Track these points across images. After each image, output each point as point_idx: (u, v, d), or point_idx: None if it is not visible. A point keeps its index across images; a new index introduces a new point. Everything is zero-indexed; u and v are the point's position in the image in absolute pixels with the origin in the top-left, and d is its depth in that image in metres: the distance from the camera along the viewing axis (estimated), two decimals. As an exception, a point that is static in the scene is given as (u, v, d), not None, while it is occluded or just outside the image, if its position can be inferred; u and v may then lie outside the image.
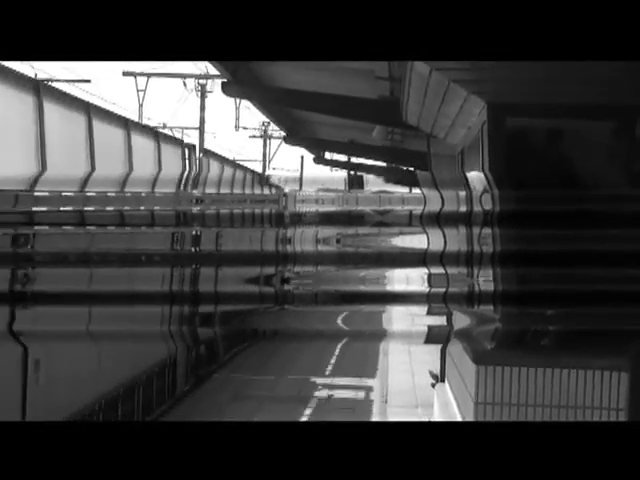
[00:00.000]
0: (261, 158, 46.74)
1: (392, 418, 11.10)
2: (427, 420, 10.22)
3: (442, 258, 4.64)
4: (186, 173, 13.11)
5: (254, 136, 47.31)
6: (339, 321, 5.77)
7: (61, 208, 4.84)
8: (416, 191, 4.69)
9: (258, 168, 41.39)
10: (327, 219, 4.64)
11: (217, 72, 16.09)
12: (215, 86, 33.98)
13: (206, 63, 28.49)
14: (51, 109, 9.39)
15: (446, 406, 8.73)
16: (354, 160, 22.55)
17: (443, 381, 10.20)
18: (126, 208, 4.81)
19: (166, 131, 34.19)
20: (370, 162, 22.26)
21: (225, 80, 13.25)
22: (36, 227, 4.76)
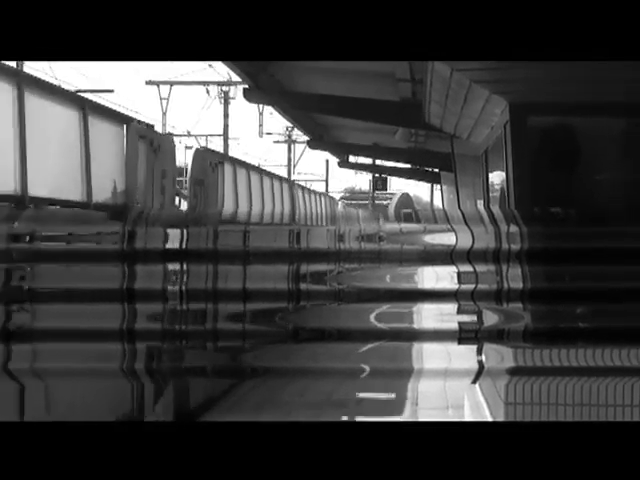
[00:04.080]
0: (286, 163, 46.80)
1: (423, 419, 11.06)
2: (458, 420, 10.19)
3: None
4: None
5: (278, 141, 47.37)
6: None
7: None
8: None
9: (283, 173, 41.38)
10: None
11: (239, 79, 16.14)
12: (238, 92, 34.07)
13: (228, 70, 28.56)
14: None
15: (477, 407, 8.71)
16: (378, 163, 22.54)
17: (475, 383, 10.18)
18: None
19: (191, 139, 34.29)
20: (394, 164, 22.24)
21: (247, 86, 13.31)
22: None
